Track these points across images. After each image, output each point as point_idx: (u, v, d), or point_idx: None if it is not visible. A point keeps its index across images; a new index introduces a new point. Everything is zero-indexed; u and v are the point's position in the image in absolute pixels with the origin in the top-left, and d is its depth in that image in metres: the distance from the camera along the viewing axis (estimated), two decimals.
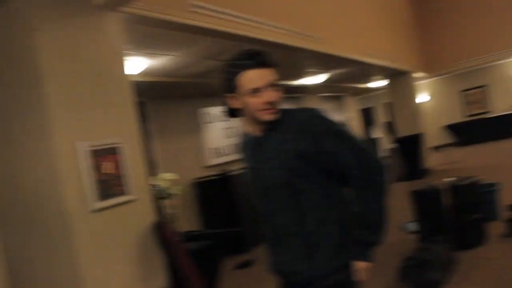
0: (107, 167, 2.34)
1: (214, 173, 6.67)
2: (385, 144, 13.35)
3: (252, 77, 1.52)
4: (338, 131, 1.53)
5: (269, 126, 1.58)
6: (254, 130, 1.63)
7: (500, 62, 12.39)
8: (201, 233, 3.32)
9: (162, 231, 2.46)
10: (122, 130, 2.48)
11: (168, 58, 4.23)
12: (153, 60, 4.14)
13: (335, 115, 11.67)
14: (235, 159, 7.62)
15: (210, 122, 7.14)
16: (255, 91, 1.53)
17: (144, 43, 3.53)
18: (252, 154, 1.68)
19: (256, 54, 1.54)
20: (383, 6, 8.64)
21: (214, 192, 6.39)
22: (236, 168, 6.77)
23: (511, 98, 12.58)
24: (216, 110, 7.25)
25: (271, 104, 1.54)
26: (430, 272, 3.59)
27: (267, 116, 1.56)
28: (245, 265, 5.52)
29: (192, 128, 6.91)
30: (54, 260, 2.19)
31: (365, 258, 1.55)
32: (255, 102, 1.54)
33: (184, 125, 6.76)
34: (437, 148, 10.79)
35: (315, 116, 1.54)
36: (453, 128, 13.75)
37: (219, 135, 7.28)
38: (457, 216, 4.27)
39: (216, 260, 2.97)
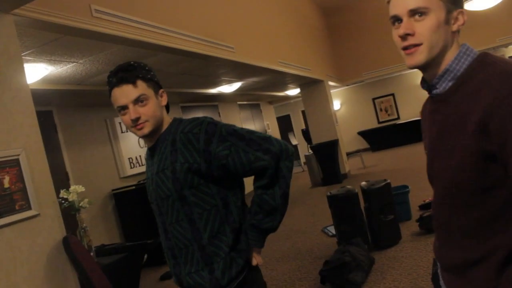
0: (7, 181, 2.17)
1: (131, 183, 6.48)
2: (303, 151, 13.78)
3: (116, 96, 1.52)
4: (227, 132, 1.50)
5: (158, 137, 1.58)
6: (146, 142, 1.63)
7: (406, 72, 13.38)
8: (116, 246, 3.19)
9: (71, 247, 2.32)
10: (23, 141, 2.32)
11: (73, 65, 4.04)
12: (56, 67, 3.93)
13: (253, 123, 11.85)
14: None
15: (126, 132, 6.93)
16: (122, 108, 1.52)
17: (45, 49, 3.34)
18: (147, 165, 1.68)
19: (119, 70, 1.52)
20: (295, 16, 8.95)
21: (132, 203, 6.22)
22: None
23: (416, 105, 13.55)
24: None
25: (137, 120, 1.51)
26: (350, 273, 3.75)
27: (138, 132, 1.55)
28: (168, 276, 5.41)
29: (105, 138, 6.66)
30: None
31: (261, 244, 1.59)
32: (124, 120, 1.54)
33: (97, 135, 6.50)
34: (351, 153, 11.33)
35: (199, 125, 1.51)
36: (365, 135, 14.56)
37: (136, 144, 7.09)
38: (372, 217, 4.48)
39: (134, 273, 2.86)
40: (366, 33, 11.52)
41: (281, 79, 8.84)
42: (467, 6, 7.75)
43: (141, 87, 1.51)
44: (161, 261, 5.90)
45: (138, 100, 1.50)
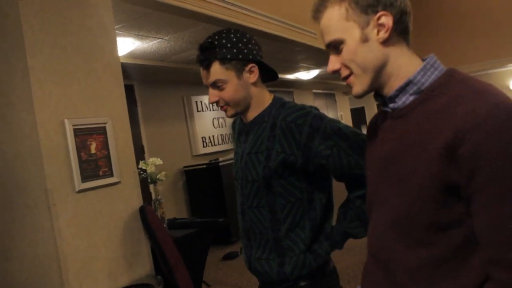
0: (94, 147, 2.27)
1: (203, 162, 6.63)
2: None
3: (201, 76, 1.45)
4: (332, 130, 1.37)
5: (256, 116, 1.48)
6: (242, 116, 1.55)
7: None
8: (188, 221, 3.27)
9: (148, 216, 2.40)
10: (110, 110, 2.41)
11: (158, 42, 4.15)
12: (142, 42, 4.06)
13: (327, 113, 11.67)
14: (225, 149, 7.59)
15: (202, 111, 7.08)
16: (208, 87, 1.46)
17: (134, 23, 3.45)
18: (238, 140, 1.60)
19: (199, 49, 1.42)
20: None
21: (203, 182, 6.37)
22: (225, 159, 6.74)
23: None
24: (207, 99, 7.19)
25: (217, 103, 1.45)
26: None
27: (225, 113, 1.49)
28: (230, 256, 5.50)
29: (181, 115, 6.84)
30: (36, 239, 2.12)
31: (341, 247, 1.50)
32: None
33: (174, 112, 6.69)
34: None
35: (304, 117, 1.38)
36: None
37: (210, 124, 7.22)
38: None
39: (202, 249, 2.92)
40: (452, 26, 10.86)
41: None
42: None
43: (216, 71, 1.40)
44: (225, 241, 6.02)
45: (214, 85, 1.43)
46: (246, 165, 1.49)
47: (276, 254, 1.46)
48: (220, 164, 6.34)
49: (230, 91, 1.43)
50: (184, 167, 6.61)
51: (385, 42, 0.98)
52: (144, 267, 2.46)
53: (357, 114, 15.54)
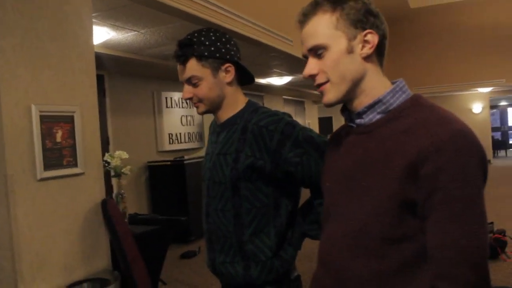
0: (60, 135, 2.22)
1: (168, 158, 6.56)
2: None
3: (178, 72, 1.48)
4: (304, 138, 1.38)
5: (229, 118, 1.50)
6: (215, 116, 1.56)
7: (443, 94, 12.92)
8: (150, 217, 3.23)
9: (109, 210, 2.36)
10: (80, 100, 2.36)
11: (134, 34, 4.09)
12: (118, 33, 3.98)
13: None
14: (191, 148, 7.53)
15: (171, 107, 7.01)
16: (183, 84, 1.48)
17: (111, 13, 3.38)
18: (210, 140, 1.61)
19: (178, 45, 1.44)
20: None
21: (166, 178, 6.31)
22: (191, 157, 6.69)
23: None
24: (177, 96, 7.13)
25: (190, 99, 1.47)
26: None
27: (197, 110, 1.51)
28: (188, 255, 5.47)
29: (150, 110, 6.75)
30: None
31: (300, 248, 1.52)
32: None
33: (142, 106, 6.60)
34: None
35: (276, 123, 1.39)
36: None
37: (178, 121, 7.16)
38: None
39: (161, 247, 2.89)
40: (423, 47, 11.20)
41: None
42: None
43: (192, 68, 1.42)
44: (184, 240, 5.98)
45: (189, 81, 1.44)
46: (214, 165, 1.49)
47: (240, 257, 1.45)
48: (185, 162, 6.30)
49: (205, 89, 1.44)
50: (148, 162, 6.52)
51: (367, 59, 1.03)
52: (101, 261, 2.41)
53: (325, 123, 15.76)
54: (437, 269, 0.91)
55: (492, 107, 17.30)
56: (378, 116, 1.03)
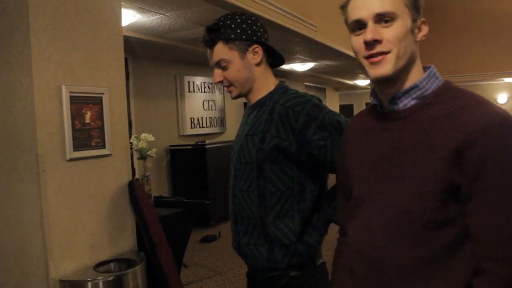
0: (89, 116, 2.24)
1: (189, 143, 6.59)
2: None
3: (208, 57, 1.49)
4: (330, 122, 1.37)
5: (259, 100, 1.50)
6: (247, 99, 1.57)
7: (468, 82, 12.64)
8: (174, 200, 3.25)
9: (136, 191, 2.38)
10: (109, 82, 2.37)
11: (159, 17, 4.08)
12: (143, 16, 3.98)
13: None
14: (212, 132, 7.55)
15: (193, 92, 7.02)
16: (214, 68, 1.49)
17: None
18: (242, 122, 1.61)
19: (205, 31, 1.46)
20: None
21: (187, 162, 6.34)
22: (212, 142, 6.71)
23: None
24: (200, 80, 7.13)
25: (221, 83, 1.48)
26: None
27: (230, 94, 1.52)
28: (208, 239, 5.52)
29: (172, 94, 6.77)
30: (21, 204, 2.09)
31: (326, 233, 1.50)
32: None
33: (165, 90, 6.62)
34: None
35: (303, 104, 1.39)
36: None
37: (200, 106, 7.17)
38: None
39: (186, 229, 2.91)
40: (449, 36, 10.94)
41: (353, 68, 8.62)
42: None
43: (220, 51, 1.44)
44: (204, 224, 6.03)
45: (218, 65, 1.46)
46: (241, 146, 1.50)
47: (265, 240, 1.45)
48: (207, 146, 6.32)
49: (234, 71, 1.45)
50: (170, 146, 6.57)
51: (417, 43, 1.04)
52: (127, 242, 2.44)
53: (346, 110, 15.63)
54: (484, 250, 0.92)
55: None
56: (413, 102, 1.02)
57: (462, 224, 0.94)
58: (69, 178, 2.15)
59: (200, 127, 7.21)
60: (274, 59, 1.56)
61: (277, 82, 1.54)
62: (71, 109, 2.14)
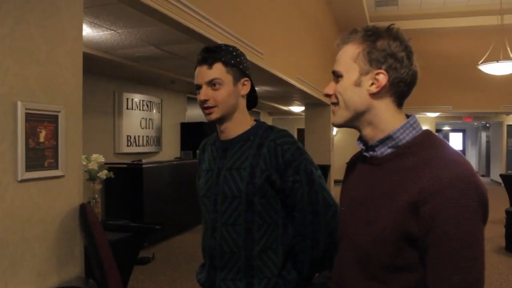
0: (43, 135, 2.11)
1: (124, 161, 6.38)
2: None
3: (196, 74, 1.53)
4: (304, 169, 1.47)
5: (241, 134, 1.54)
6: (219, 133, 1.59)
7: None
8: (122, 224, 3.13)
9: (88, 216, 2.26)
10: (66, 98, 2.26)
11: (110, 33, 3.98)
12: (93, 30, 3.87)
13: None
14: (149, 151, 7.37)
15: (131, 109, 6.83)
16: (198, 88, 1.52)
17: (93, 10, 3.28)
18: (211, 156, 1.62)
19: (205, 50, 1.52)
20: (318, 36, 8.99)
21: (123, 182, 6.12)
22: (149, 161, 6.54)
23: None
24: (138, 98, 6.97)
25: (206, 102, 1.51)
26: None
27: (206, 117, 1.54)
28: (142, 261, 5.33)
29: (109, 110, 6.56)
30: None
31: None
32: (198, 99, 1.54)
33: (102, 106, 6.39)
34: (338, 182, 11.38)
35: (291, 144, 1.49)
36: None
37: (138, 123, 6.99)
38: None
39: (133, 254, 2.80)
40: None
41: (290, 94, 8.86)
42: (485, 68, 7.92)
43: (218, 71, 1.49)
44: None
45: (211, 83, 1.49)
46: (225, 181, 1.51)
47: (244, 274, 1.47)
48: (144, 166, 6.16)
49: (224, 93, 1.49)
50: (105, 163, 6.31)
51: (374, 95, 1.10)
52: (75, 269, 2.30)
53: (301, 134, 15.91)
54: None
55: (437, 130, 18.30)
56: (389, 150, 1.10)
57: (424, 272, 1.00)
58: (19, 200, 2.00)
59: (136, 145, 7.02)
60: (252, 100, 1.64)
61: (253, 118, 1.61)
62: (25, 127, 2.01)
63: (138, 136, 7.05)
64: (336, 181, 11.18)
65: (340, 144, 15.08)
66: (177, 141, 8.38)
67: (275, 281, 1.46)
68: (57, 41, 2.21)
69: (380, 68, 1.08)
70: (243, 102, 1.56)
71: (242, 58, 1.55)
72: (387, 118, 1.11)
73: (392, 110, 1.11)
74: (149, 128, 7.31)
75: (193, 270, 5.09)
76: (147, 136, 7.27)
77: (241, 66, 1.52)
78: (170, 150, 8.15)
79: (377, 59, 1.08)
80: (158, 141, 7.65)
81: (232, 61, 1.50)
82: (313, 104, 10.01)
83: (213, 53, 1.50)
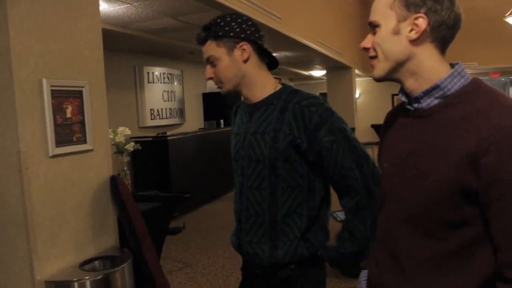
0: (69, 111, 2.15)
1: (149, 134, 6.47)
2: None
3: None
4: (338, 128, 1.43)
5: (264, 99, 1.53)
6: (244, 98, 1.60)
7: None
8: (152, 195, 3.20)
9: (119, 187, 2.32)
10: (88, 74, 2.29)
11: (126, 7, 3.97)
12: (109, 5, 3.87)
13: None
14: (173, 124, 7.44)
15: (152, 82, 6.87)
16: (206, 65, 1.55)
17: None
18: (239, 120, 1.62)
19: (201, 29, 1.52)
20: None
21: (149, 155, 6.23)
22: (173, 133, 6.62)
23: None
24: (159, 71, 6.99)
25: (211, 79, 1.53)
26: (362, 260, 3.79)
27: (220, 90, 1.56)
28: (173, 231, 5.47)
29: (131, 85, 6.61)
30: (2, 202, 1.98)
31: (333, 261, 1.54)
32: None
33: (124, 81, 6.45)
34: (363, 144, 11.31)
35: (317, 106, 1.44)
36: (378, 129, 14.48)
37: (160, 96, 7.04)
38: None
39: (164, 224, 2.88)
40: None
41: (311, 58, 8.74)
42: None
43: (209, 48, 1.49)
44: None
45: (209, 61, 1.51)
46: (250, 144, 1.52)
47: (269, 238, 1.49)
48: (169, 138, 6.24)
49: (221, 68, 1.49)
50: (130, 138, 6.40)
51: (414, 42, 1.03)
52: (109, 239, 2.39)
53: None
54: (503, 257, 0.94)
55: None
56: (436, 101, 1.03)
57: (483, 226, 0.96)
58: (52, 175, 2.07)
59: (160, 118, 7.10)
60: (271, 60, 1.59)
61: (278, 81, 1.58)
62: (52, 103, 2.05)
63: (161, 109, 7.11)
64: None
65: (363, 106, 14.91)
66: (200, 112, 8.43)
67: (297, 243, 1.48)
68: (77, 17, 2.23)
69: (419, 12, 1.01)
70: (250, 66, 1.51)
71: (233, 23, 1.48)
72: (432, 67, 1.04)
73: (436, 57, 1.04)
74: (171, 100, 7.36)
75: (224, 238, 5.21)
76: (170, 108, 7.33)
77: (231, 33, 1.47)
78: (194, 121, 8.21)
79: (415, 2, 1.01)
80: (181, 112, 7.71)
81: (220, 33, 1.47)
82: (334, 67, 9.87)
83: (203, 31, 1.50)
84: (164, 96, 7.19)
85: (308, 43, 6.40)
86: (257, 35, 1.51)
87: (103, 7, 3.84)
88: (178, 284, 4.09)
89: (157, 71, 6.97)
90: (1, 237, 2.01)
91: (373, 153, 11.13)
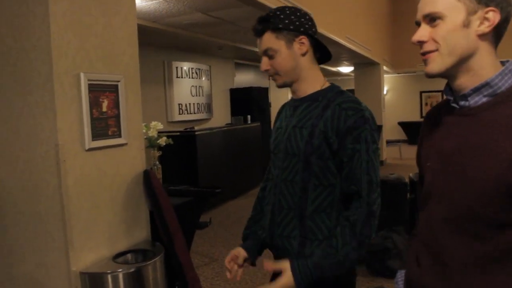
0: (105, 105, 2.18)
1: (177, 129, 6.53)
2: None
3: (257, 45, 1.55)
4: (365, 138, 1.40)
5: (311, 94, 1.53)
6: (292, 92, 1.61)
7: None
8: (183, 189, 3.23)
9: (152, 181, 2.35)
10: (124, 68, 2.32)
11: (158, 2, 4.00)
12: (142, 0, 3.90)
13: None
14: (200, 119, 7.49)
15: (181, 77, 6.92)
16: (262, 56, 1.54)
17: None
18: (284, 114, 1.64)
19: (257, 21, 1.51)
20: None
21: (177, 149, 6.26)
22: (201, 128, 6.66)
23: None
24: (187, 66, 7.04)
25: (266, 72, 1.53)
26: (389, 260, 3.74)
27: (275, 83, 1.56)
28: (200, 226, 5.50)
29: (160, 79, 6.67)
30: (38, 194, 2.03)
31: (301, 276, 1.37)
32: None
33: (152, 75, 6.51)
34: (391, 142, 11.15)
35: (356, 111, 1.41)
36: (405, 126, 14.27)
37: (188, 91, 7.09)
38: (414, 208, 4.44)
39: (195, 218, 2.90)
40: None
41: (339, 54, 8.65)
42: None
43: (268, 40, 1.49)
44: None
45: (266, 53, 1.50)
46: (289, 138, 1.53)
47: (299, 233, 1.48)
48: (196, 133, 6.28)
49: (279, 60, 1.49)
50: (159, 132, 6.48)
51: (481, 36, 0.99)
52: (142, 233, 2.41)
53: None
54: None
55: None
56: (484, 99, 1.01)
57: None
58: (88, 168, 2.10)
59: (188, 113, 7.15)
60: (321, 55, 1.58)
61: (325, 79, 1.58)
62: (89, 97, 2.08)
63: (189, 104, 7.16)
64: (388, 142, 10.97)
65: (391, 103, 14.70)
66: (227, 107, 8.45)
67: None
68: (112, 13, 2.25)
69: (489, 6, 0.97)
70: (306, 60, 1.51)
71: (293, 17, 1.47)
72: (489, 63, 1.01)
73: (493, 53, 1.02)
74: (199, 95, 7.40)
75: None
76: (197, 103, 7.37)
77: (291, 27, 1.46)
78: (221, 117, 8.24)
79: None
80: (208, 107, 7.74)
81: (280, 25, 1.46)
82: (362, 63, 9.75)
83: (261, 23, 1.49)
84: (192, 91, 7.23)
85: (337, 39, 6.33)
86: (314, 29, 1.53)
87: (137, 2, 3.87)
88: (204, 278, 4.12)
89: (185, 66, 7.01)
90: (38, 228, 2.05)
91: (400, 151, 10.98)
